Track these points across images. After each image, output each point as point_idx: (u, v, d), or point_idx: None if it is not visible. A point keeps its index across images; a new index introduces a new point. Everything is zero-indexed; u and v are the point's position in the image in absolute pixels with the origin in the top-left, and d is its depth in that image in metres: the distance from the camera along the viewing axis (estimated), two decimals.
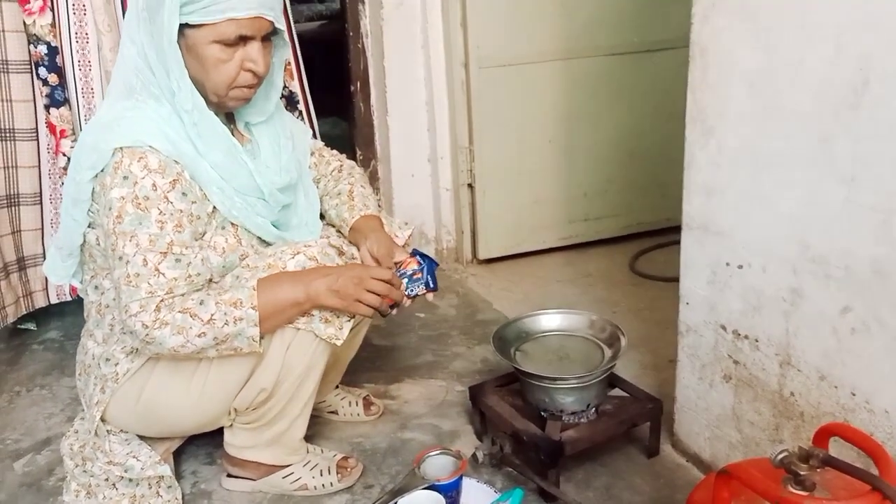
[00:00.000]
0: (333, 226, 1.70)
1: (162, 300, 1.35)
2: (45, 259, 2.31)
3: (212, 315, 1.36)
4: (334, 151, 1.82)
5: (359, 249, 1.60)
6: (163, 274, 1.36)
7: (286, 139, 1.60)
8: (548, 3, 2.63)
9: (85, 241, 1.48)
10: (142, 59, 1.40)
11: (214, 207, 1.46)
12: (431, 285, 1.57)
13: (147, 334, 1.35)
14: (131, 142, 1.36)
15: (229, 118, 1.55)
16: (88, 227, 1.46)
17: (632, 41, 2.76)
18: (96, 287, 1.53)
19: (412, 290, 1.55)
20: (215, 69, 1.40)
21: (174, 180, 1.38)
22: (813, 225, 1.28)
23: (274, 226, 1.55)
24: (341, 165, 1.76)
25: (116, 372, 1.50)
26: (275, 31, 1.44)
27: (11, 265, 2.28)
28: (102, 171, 1.38)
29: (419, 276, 1.56)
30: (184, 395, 1.51)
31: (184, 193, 1.40)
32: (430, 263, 1.57)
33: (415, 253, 1.59)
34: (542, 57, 2.69)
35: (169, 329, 1.35)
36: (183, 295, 1.37)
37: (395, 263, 1.56)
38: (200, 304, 1.36)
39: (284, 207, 1.57)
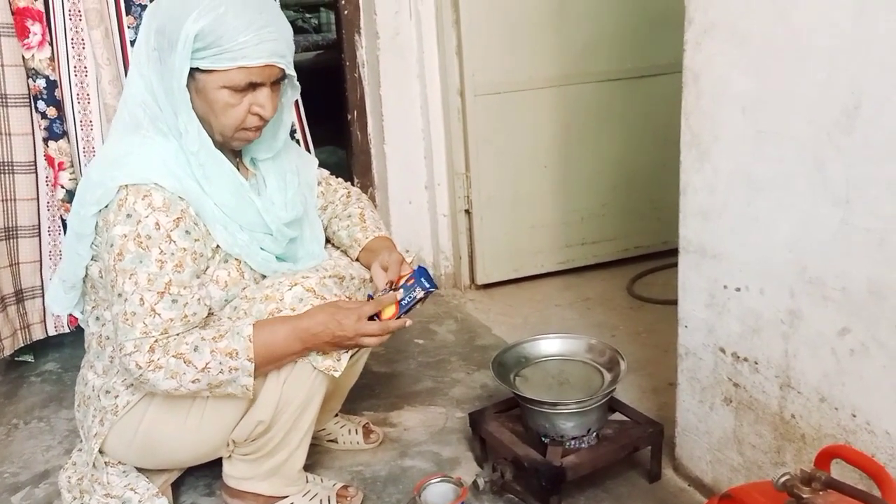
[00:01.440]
0: (343, 246, 1.71)
1: (156, 341, 1.36)
2: (43, 291, 2.33)
3: (206, 363, 1.37)
4: (340, 179, 1.84)
5: (370, 267, 1.61)
6: (158, 314, 1.36)
7: (292, 174, 1.61)
8: (542, 31, 2.66)
9: (87, 273, 1.49)
10: (150, 95, 1.41)
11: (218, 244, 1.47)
12: (427, 286, 1.52)
13: (141, 375, 1.37)
14: (137, 179, 1.37)
15: (235, 153, 1.56)
16: (91, 259, 1.47)
17: (626, 67, 2.79)
18: (97, 318, 1.53)
19: (409, 299, 1.51)
20: (223, 113, 1.41)
21: (178, 218, 1.39)
22: (809, 247, 1.29)
23: (281, 259, 1.56)
24: (349, 192, 1.79)
25: (116, 405, 1.50)
26: (285, 76, 1.45)
27: (9, 297, 2.27)
28: (107, 207, 1.38)
29: (412, 282, 1.53)
30: (181, 428, 1.51)
31: (187, 231, 1.40)
32: (422, 273, 1.55)
33: (418, 269, 1.57)
34: (537, 84, 2.72)
35: (163, 373, 1.36)
36: (178, 335, 1.37)
37: (399, 277, 1.55)
38: (195, 350, 1.36)
39: (291, 241, 1.58)
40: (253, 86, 1.40)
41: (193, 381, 1.37)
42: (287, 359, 1.45)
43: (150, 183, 1.37)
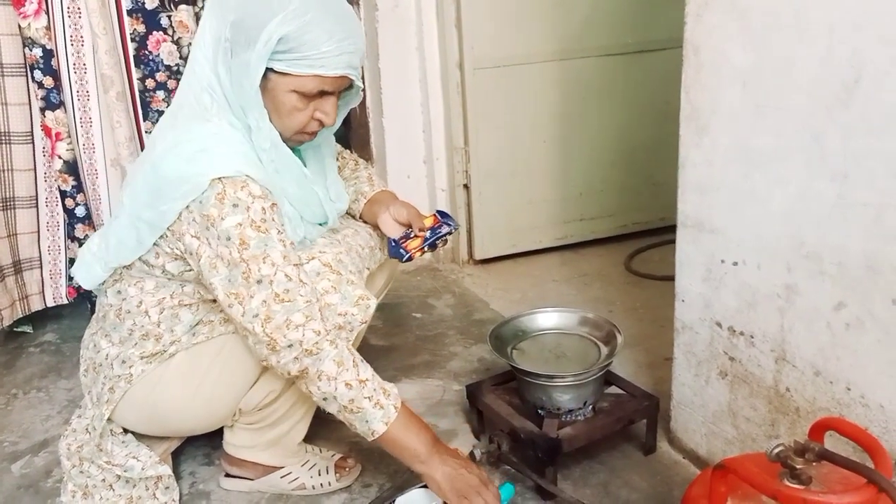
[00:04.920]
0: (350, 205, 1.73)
1: (319, 309, 1.38)
2: (41, 262, 2.34)
3: (366, 379, 1.38)
4: (348, 151, 1.86)
5: (377, 219, 1.66)
6: (305, 284, 1.37)
7: (331, 158, 1.63)
8: (542, 4, 2.64)
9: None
10: (217, 83, 1.39)
11: None
12: (452, 224, 1.66)
13: (317, 343, 1.35)
14: (230, 171, 1.33)
15: None
16: (154, 245, 1.43)
17: (625, 42, 2.78)
18: (119, 292, 1.50)
19: (434, 234, 1.64)
20: (289, 116, 1.41)
21: (273, 204, 1.38)
22: (806, 221, 1.29)
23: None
24: (357, 161, 1.83)
25: (130, 374, 1.50)
26: (350, 86, 1.45)
27: (7, 268, 2.28)
28: (201, 202, 1.33)
29: (438, 223, 1.68)
30: (192, 397, 1.51)
31: (276, 218, 1.39)
32: (444, 215, 1.69)
33: (437, 213, 1.70)
34: (537, 58, 2.70)
35: (335, 353, 1.36)
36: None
37: (425, 227, 1.65)
38: (362, 362, 1.40)
39: (331, 230, 1.60)
40: (322, 93, 1.39)
41: (346, 384, 1.36)
42: (403, 450, 1.43)
43: (242, 175, 1.35)
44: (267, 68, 1.35)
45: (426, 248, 1.63)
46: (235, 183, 1.33)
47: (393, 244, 1.64)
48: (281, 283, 1.34)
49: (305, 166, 1.57)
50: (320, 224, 1.56)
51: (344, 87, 1.43)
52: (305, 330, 1.35)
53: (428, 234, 1.63)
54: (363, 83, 1.46)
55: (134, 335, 1.50)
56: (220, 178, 1.32)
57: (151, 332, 1.48)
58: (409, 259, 1.63)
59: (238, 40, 1.35)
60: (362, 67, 1.60)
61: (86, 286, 1.57)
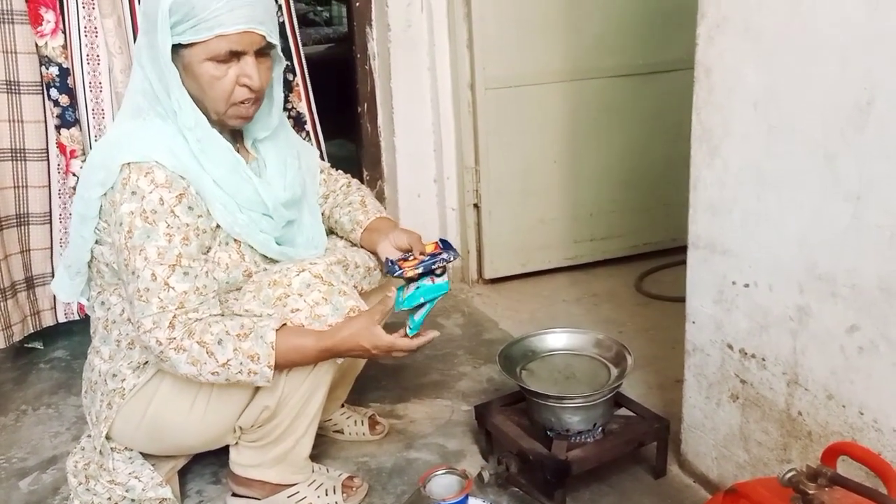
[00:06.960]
0: (345, 232, 1.72)
1: (175, 316, 1.36)
2: (53, 278, 2.34)
3: (228, 360, 1.38)
4: (340, 171, 1.86)
5: (377, 247, 1.64)
6: (172, 288, 1.37)
7: (293, 157, 1.62)
8: (554, 25, 2.66)
9: (93, 257, 1.50)
10: (147, 82, 1.43)
11: (218, 224, 1.47)
12: (453, 254, 1.57)
13: (161, 352, 1.37)
14: (138, 157, 1.38)
15: (236, 136, 1.57)
16: (96, 243, 1.48)
17: (637, 63, 2.78)
18: (102, 303, 1.54)
19: (432, 259, 1.57)
20: (210, 86, 1.42)
21: (180, 194, 1.40)
22: (819, 243, 1.28)
23: (279, 243, 1.56)
24: (349, 182, 1.81)
25: (123, 388, 1.51)
26: (270, 46, 1.46)
27: (20, 284, 2.29)
28: (112, 188, 1.39)
29: (439, 249, 1.60)
30: (188, 413, 1.51)
31: (190, 207, 1.41)
32: (446, 243, 1.62)
33: (440, 241, 1.64)
34: (548, 78, 2.71)
35: (185, 356, 1.37)
36: (196, 312, 1.38)
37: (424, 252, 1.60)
38: (219, 343, 1.37)
39: (289, 224, 1.59)
40: (237, 56, 1.40)
41: (213, 374, 1.39)
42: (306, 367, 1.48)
43: (152, 161, 1.39)
44: (177, 45, 1.38)
45: (421, 270, 1.56)
46: (141, 169, 1.38)
47: (390, 263, 1.61)
48: (145, 280, 1.37)
49: (266, 161, 1.58)
50: (267, 215, 1.52)
51: (257, 45, 1.42)
52: (150, 336, 1.37)
53: (427, 258, 1.57)
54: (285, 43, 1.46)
55: (121, 346, 1.52)
56: (128, 164, 1.38)
57: (136, 339, 1.49)
58: (402, 275, 1.58)
59: (148, 28, 1.40)
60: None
61: (61, 297, 1.62)
